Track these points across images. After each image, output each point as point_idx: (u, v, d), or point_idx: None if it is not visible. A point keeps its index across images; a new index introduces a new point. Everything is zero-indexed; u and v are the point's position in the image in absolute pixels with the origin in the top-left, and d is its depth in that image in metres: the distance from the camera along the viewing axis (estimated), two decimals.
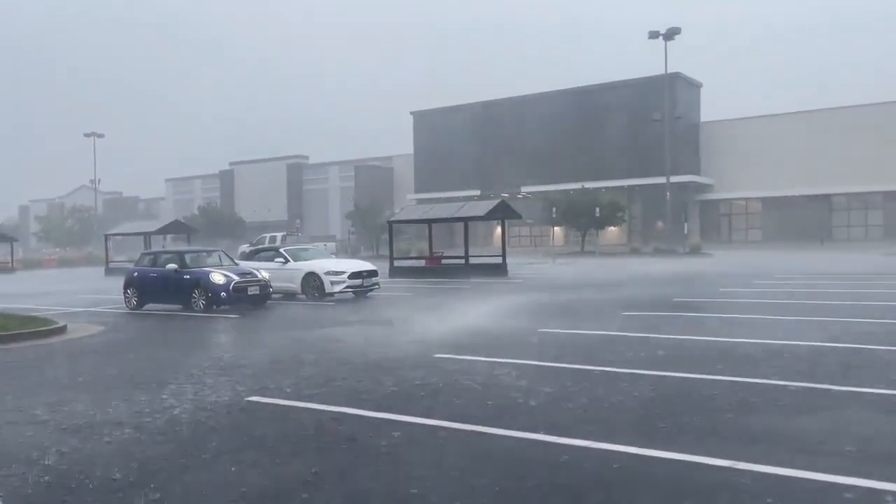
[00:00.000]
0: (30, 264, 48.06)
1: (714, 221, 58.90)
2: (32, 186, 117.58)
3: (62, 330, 12.71)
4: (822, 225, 53.34)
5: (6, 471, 4.95)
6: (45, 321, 13.24)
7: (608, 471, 4.68)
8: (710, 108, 61.69)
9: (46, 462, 5.14)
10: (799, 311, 13.07)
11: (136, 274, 17.85)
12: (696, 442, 5.22)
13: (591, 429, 5.61)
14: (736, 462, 4.68)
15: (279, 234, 49.33)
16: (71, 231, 67.91)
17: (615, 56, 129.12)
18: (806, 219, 54.11)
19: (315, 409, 6.54)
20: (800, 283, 19.98)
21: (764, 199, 56.69)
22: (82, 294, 22.82)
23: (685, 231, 46.12)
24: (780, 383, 7.06)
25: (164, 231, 38.97)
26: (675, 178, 48.65)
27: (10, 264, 43.80)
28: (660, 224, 53.03)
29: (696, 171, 57.78)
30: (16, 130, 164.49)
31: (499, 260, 27.79)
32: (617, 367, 8.08)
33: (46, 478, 4.80)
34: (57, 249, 63.00)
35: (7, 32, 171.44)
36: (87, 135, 69.25)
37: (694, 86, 59.81)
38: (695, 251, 42.72)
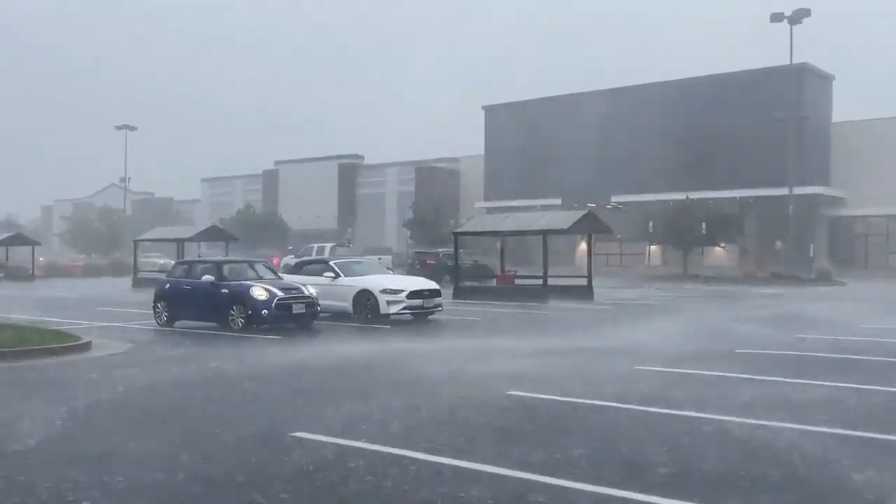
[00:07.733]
0: (52, 271, 49.93)
1: (846, 243, 56.64)
2: (58, 185, 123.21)
3: (86, 346, 13.12)
4: None
5: None
6: (68, 336, 13.70)
7: None
8: (844, 107, 59.54)
9: None
10: None
11: (167, 286, 18.32)
12: None
13: None
14: None
15: (328, 245, 50.06)
16: (98, 234, 70.51)
17: (730, 44, 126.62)
18: None
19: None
20: None
21: None
22: (107, 307, 23.62)
23: (811, 254, 44.55)
24: None
25: (200, 238, 39.95)
26: (798, 190, 47.09)
27: (31, 271, 44.31)
28: (779, 244, 51.39)
29: (826, 182, 55.72)
30: (40, 126, 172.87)
31: (584, 282, 27.44)
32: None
33: None
34: (82, 256, 65.47)
35: (35, 24, 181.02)
36: (118, 127, 72.01)
37: (825, 79, 57.99)
38: (823, 278, 41.25)
